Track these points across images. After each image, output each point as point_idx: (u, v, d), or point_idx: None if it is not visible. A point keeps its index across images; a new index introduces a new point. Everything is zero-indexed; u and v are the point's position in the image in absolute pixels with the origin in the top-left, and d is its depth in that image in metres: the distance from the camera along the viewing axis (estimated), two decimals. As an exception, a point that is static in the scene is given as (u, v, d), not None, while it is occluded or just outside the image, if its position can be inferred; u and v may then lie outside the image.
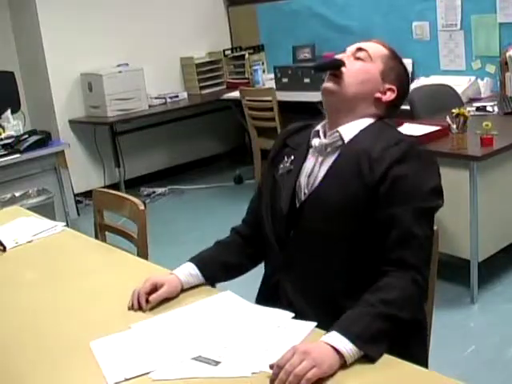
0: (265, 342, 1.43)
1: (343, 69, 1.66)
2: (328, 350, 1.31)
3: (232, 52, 6.31)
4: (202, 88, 6.19)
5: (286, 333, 1.46)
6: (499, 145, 3.13)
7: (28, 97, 5.61)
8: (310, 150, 1.71)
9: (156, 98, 5.85)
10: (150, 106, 5.72)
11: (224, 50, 6.31)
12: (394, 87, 1.68)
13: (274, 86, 5.39)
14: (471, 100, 4.26)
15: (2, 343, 1.62)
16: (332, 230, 1.59)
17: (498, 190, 3.25)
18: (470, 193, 3.09)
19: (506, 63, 4.07)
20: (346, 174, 1.59)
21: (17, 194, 4.15)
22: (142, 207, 2.25)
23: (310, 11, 5.71)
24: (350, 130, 1.65)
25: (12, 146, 4.24)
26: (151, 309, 1.66)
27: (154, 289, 1.68)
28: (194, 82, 6.19)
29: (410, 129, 3.31)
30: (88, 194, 4.65)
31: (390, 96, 1.68)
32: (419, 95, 3.92)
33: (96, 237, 2.47)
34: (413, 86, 4.40)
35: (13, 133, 4.41)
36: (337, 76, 1.66)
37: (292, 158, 1.73)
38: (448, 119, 3.14)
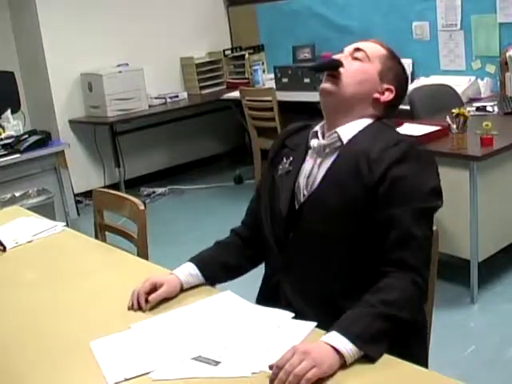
0: (265, 342, 1.43)
1: (341, 69, 1.65)
2: (328, 350, 1.31)
3: (232, 52, 6.31)
4: (201, 88, 6.18)
5: (285, 333, 1.46)
6: (499, 145, 3.13)
7: (28, 97, 5.61)
8: (309, 151, 1.71)
9: (156, 98, 5.85)
10: (149, 106, 5.72)
11: (224, 50, 6.31)
12: (392, 87, 1.68)
13: (274, 86, 5.40)
14: (471, 100, 4.26)
15: (2, 343, 1.62)
16: (331, 231, 1.59)
17: (497, 190, 3.25)
18: (470, 193, 3.09)
19: (506, 63, 4.07)
20: (344, 176, 1.59)
21: (17, 194, 4.15)
22: (142, 207, 2.25)
23: (310, 11, 5.71)
24: (348, 130, 1.65)
25: (12, 146, 4.24)
26: (151, 309, 1.66)
27: (154, 289, 1.68)
28: (194, 81, 6.19)
29: (409, 129, 3.31)
30: (88, 194, 4.65)
31: (388, 96, 1.68)
32: (419, 95, 3.92)
33: (96, 237, 2.47)
34: (413, 85, 4.40)
35: (13, 133, 4.41)
36: (335, 77, 1.66)
37: (291, 159, 1.73)
38: (448, 119, 3.14)
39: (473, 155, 3.07)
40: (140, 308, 1.66)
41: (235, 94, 5.47)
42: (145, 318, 1.61)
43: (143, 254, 2.22)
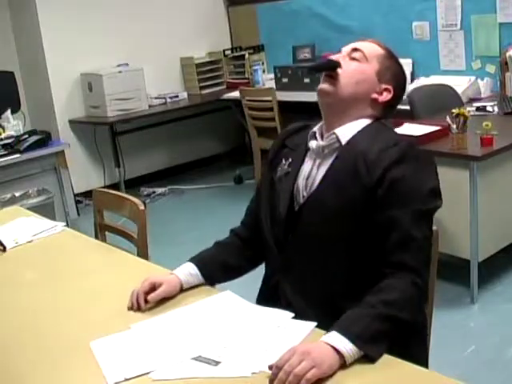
0: (265, 342, 1.43)
1: (339, 70, 1.65)
2: (328, 350, 1.31)
3: (232, 52, 6.31)
4: (201, 88, 6.18)
5: (285, 333, 1.46)
6: (499, 145, 3.13)
7: (28, 97, 5.61)
8: (308, 153, 1.71)
9: (156, 98, 5.85)
10: (150, 106, 5.72)
11: (224, 50, 6.31)
12: (390, 87, 1.67)
13: (274, 86, 5.40)
14: (471, 100, 4.26)
15: (2, 343, 1.62)
16: (330, 231, 1.59)
17: (498, 190, 3.25)
18: (470, 193, 3.09)
19: (506, 63, 4.07)
20: (343, 177, 1.59)
21: (17, 194, 4.15)
22: (142, 207, 2.25)
23: (310, 11, 5.71)
24: (346, 131, 1.65)
25: (12, 146, 4.24)
26: (151, 309, 1.66)
27: (153, 288, 1.68)
28: (194, 81, 6.19)
29: (410, 129, 3.31)
30: (88, 194, 4.65)
31: (386, 96, 1.67)
32: (419, 95, 3.92)
33: (96, 237, 2.47)
34: (413, 85, 4.40)
35: (13, 133, 4.41)
36: (332, 77, 1.65)
37: (290, 160, 1.73)
38: (448, 119, 3.14)
39: (473, 155, 3.07)
40: (139, 308, 1.66)
41: (235, 94, 5.47)
42: (145, 318, 1.61)
43: (143, 254, 2.22)
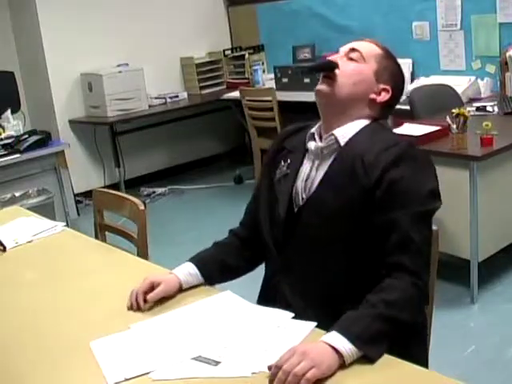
0: (264, 342, 1.43)
1: (336, 71, 1.65)
2: (327, 350, 1.31)
3: (232, 52, 6.31)
4: (201, 88, 6.19)
5: (285, 333, 1.46)
6: (499, 145, 3.13)
7: (28, 97, 5.61)
8: (306, 154, 1.70)
9: (156, 98, 5.85)
10: (150, 106, 5.72)
11: (224, 50, 6.31)
12: (388, 87, 1.66)
13: (274, 86, 5.40)
14: (471, 100, 4.26)
15: (2, 343, 1.62)
16: (329, 233, 1.59)
17: (498, 190, 3.25)
18: (470, 193, 3.09)
19: (506, 63, 4.07)
20: (342, 179, 1.58)
21: (17, 194, 4.15)
22: (141, 207, 2.25)
23: (310, 11, 5.71)
24: (345, 132, 1.64)
25: (12, 146, 4.24)
26: (150, 309, 1.66)
27: (152, 288, 1.68)
28: (194, 81, 6.19)
29: (409, 129, 3.31)
30: (88, 194, 4.65)
31: (384, 97, 1.66)
32: (419, 95, 3.92)
33: (96, 237, 2.47)
34: (413, 85, 4.41)
35: (13, 133, 4.41)
36: (330, 78, 1.65)
37: (289, 161, 1.72)
38: (448, 119, 3.14)
39: (473, 155, 3.07)
40: (139, 308, 1.66)
41: (235, 94, 5.47)
42: (145, 318, 1.61)
43: (143, 254, 2.22)
